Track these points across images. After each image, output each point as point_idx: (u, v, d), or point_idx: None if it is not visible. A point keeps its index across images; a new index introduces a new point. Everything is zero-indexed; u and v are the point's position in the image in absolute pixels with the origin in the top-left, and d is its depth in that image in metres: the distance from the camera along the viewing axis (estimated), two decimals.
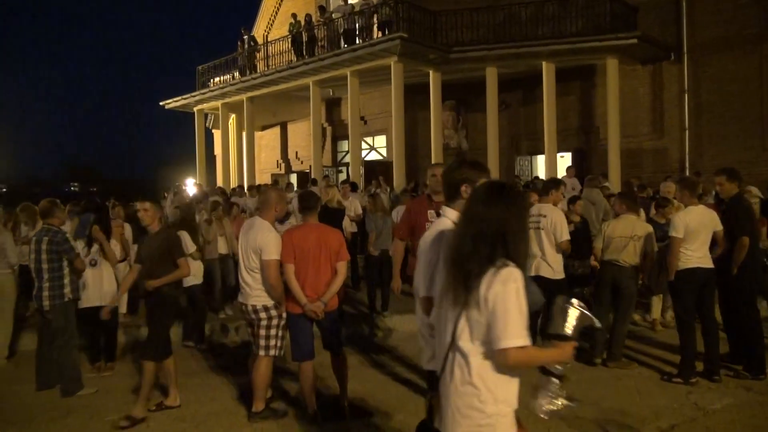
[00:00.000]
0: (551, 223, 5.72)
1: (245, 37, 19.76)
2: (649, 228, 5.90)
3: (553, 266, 5.75)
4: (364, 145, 19.36)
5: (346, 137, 18.66)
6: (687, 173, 13.57)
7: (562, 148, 15.83)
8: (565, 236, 5.69)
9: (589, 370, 5.58)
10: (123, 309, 7.21)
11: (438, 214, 2.99)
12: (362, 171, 16.62)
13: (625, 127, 14.90)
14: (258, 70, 19.00)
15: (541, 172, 16.35)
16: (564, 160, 16.51)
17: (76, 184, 78.01)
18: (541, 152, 15.78)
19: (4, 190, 61.71)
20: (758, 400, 4.83)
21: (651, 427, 4.32)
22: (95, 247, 5.96)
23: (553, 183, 6.28)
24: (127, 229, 7.79)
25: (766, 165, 13.22)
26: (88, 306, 5.87)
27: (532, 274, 5.88)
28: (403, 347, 6.83)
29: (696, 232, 5.18)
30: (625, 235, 5.62)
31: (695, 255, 5.19)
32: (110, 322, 6.06)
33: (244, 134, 20.41)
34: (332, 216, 8.25)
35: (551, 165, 15.12)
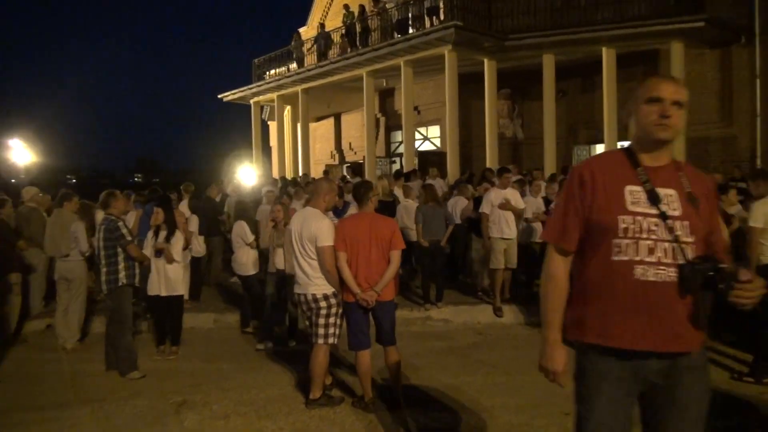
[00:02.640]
0: None
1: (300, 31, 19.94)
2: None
3: None
4: (417, 136, 19.29)
5: (399, 128, 18.61)
6: (759, 163, 12.88)
7: (623, 137, 15.28)
8: None
9: None
10: (187, 296, 7.47)
11: None
12: (416, 161, 16.57)
13: (691, 115, 13.66)
14: (310, 62, 19.18)
15: None
16: None
17: (139, 175, 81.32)
18: (601, 141, 15.28)
19: (74, 181, 65.00)
20: None
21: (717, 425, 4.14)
22: (162, 237, 6.19)
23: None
24: (194, 221, 8.11)
25: None
26: (153, 294, 6.15)
27: None
28: (457, 338, 6.82)
29: None
30: None
31: None
32: (176, 309, 6.32)
33: (298, 125, 20.69)
34: (384, 208, 8.24)
35: None
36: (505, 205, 7.47)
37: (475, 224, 8.25)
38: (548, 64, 14.91)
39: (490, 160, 15.40)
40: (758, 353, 5.05)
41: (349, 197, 7.90)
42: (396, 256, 4.47)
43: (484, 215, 7.58)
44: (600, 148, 15.83)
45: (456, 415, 4.47)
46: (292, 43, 20.29)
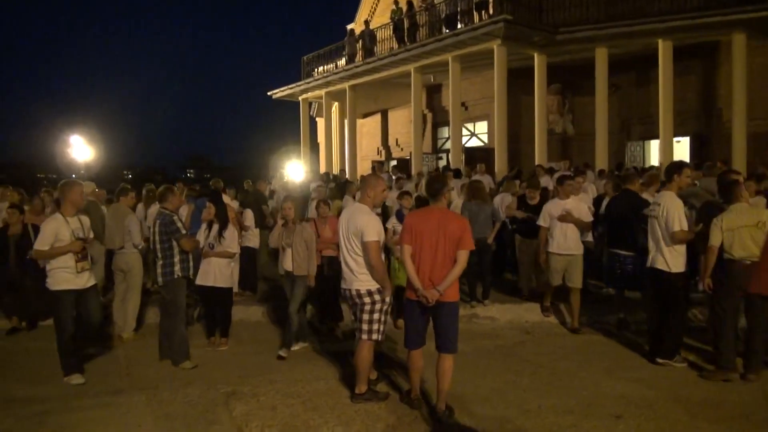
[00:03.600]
0: (664, 211, 5.39)
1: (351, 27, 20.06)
2: None
3: (668, 259, 5.40)
4: (464, 132, 19.14)
5: (446, 124, 18.52)
6: None
7: (679, 133, 14.78)
8: (677, 226, 5.29)
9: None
10: (236, 288, 7.64)
11: None
12: (463, 158, 16.45)
13: (753, 109, 13.62)
14: (360, 58, 19.27)
15: (654, 158, 15.38)
16: (681, 145, 15.42)
17: (191, 170, 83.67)
18: (656, 137, 14.80)
19: (130, 176, 67.41)
20: None
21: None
22: (215, 231, 6.35)
23: (676, 167, 5.77)
24: (249, 216, 8.27)
25: None
26: (203, 284, 6.32)
27: (648, 266, 5.61)
28: (503, 336, 6.74)
29: None
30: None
31: None
32: (226, 300, 6.49)
33: (345, 122, 20.86)
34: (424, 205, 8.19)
35: (666, 150, 14.15)
36: (566, 217, 6.74)
37: (518, 223, 7.99)
38: (601, 57, 14.54)
39: (539, 157, 15.14)
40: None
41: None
42: (463, 256, 4.26)
43: (542, 228, 6.93)
44: (654, 144, 15.35)
45: (501, 415, 4.42)
46: (346, 38, 20.38)
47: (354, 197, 9.23)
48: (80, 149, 21.19)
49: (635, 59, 15.30)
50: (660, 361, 5.45)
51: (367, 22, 19.98)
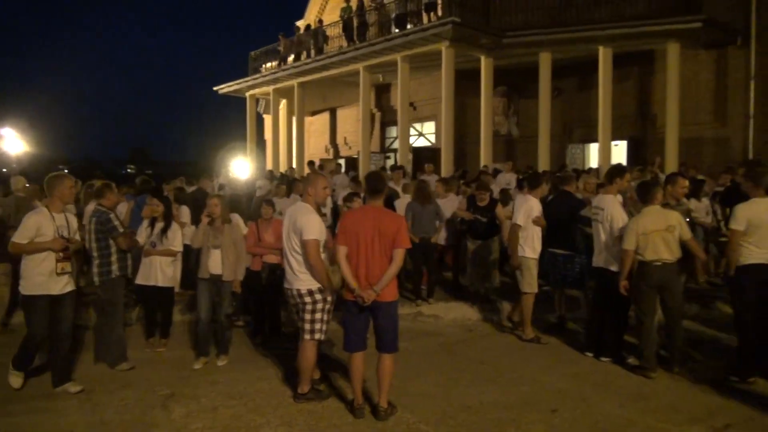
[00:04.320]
0: (608, 216, 5.59)
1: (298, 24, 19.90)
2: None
3: (612, 260, 5.58)
4: (412, 132, 19.28)
5: (394, 123, 18.61)
6: None
7: (616, 136, 15.33)
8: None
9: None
10: (177, 287, 7.43)
11: None
12: (410, 157, 16.57)
13: (685, 115, 14.28)
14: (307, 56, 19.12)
15: (594, 161, 15.91)
16: (618, 149, 16.01)
17: (132, 166, 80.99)
18: (595, 140, 15.31)
19: (66, 171, 64.64)
20: None
21: (703, 425, 4.18)
22: (158, 229, 6.15)
23: (617, 171, 5.99)
24: (184, 212, 8.04)
25: None
26: (144, 284, 6.13)
27: (595, 266, 5.80)
28: (447, 334, 6.83)
29: (758, 226, 4.94)
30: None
31: (759, 250, 4.96)
32: (168, 300, 6.31)
33: (293, 119, 20.65)
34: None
35: (605, 153, 14.66)
36: (539, 220, 6.37)
37: (468, 224, 7.83)
38: (545, 62, 14.92)
39: (485, 158, 15.42)
40: (742, 351, 5.13)
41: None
42: (399, 255, 4.22)
43: (516, 227, 6.34)
44: (594, 147, 15.87)
45: (443, 411, 4.48)
46: (294, 36, 20.17)
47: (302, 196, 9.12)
48: (12, 142, 20.19)
49: (578, 64, 15.78)
50: (603, 359, 5.62)
51: (320, 21, 19.84)
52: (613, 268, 5.55)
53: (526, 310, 6.44)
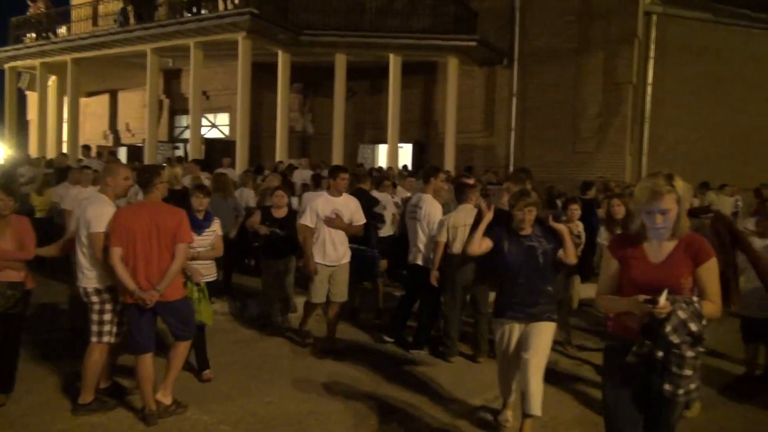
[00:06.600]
0: (426, 215, 5.83)
1: None
2: None
3: (427, 257, 5.84)
4: (205, 122, 18.47)
5: (185, 112, 17.64)
6: (511, 170, 14.90)
7: (403, 139, 16.49)
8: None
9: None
10: None
11: None
12: (203, 149, 15.88)
13: (461, 124, 15.95)
14: (85, 29, 17.15)
15: (383, 161, 16.90)
16: (404, 151, 17.24)
17: None
18: (384, 141, 16.30)
19: None
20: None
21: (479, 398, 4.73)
22: None
23: (433, 171, 6.22)
24: None
25: (574, 166, 14.99)
26: None
27: (410, 262, 6.08)
28: (243, 332, 6.70)
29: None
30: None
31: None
32: None
33: (66, 99, 18.39)
34: (176, 199, 7.47)
35: (392, 154, 15.69)
36: (334, 221, 5.60)
37: (263, 238, 6.71)
38: (340, 63, 15.42)
39: (280, 153, 15.43)
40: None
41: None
42: (181, 250, 4.04)
43: (305, 228, 5.62)
44: (383, 148, 16.88)
45: (243, 409, 4.42)
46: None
47: (76, 185, 8.14)
48: None
49: (370, 69, 16.61)
50: (412, 352, 5.90)
51: None
52: (425, 264, 5.83)
53: (305, 313, 6.14)
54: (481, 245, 4.08)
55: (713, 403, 4.66)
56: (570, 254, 4.04)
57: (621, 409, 2.74)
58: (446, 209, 6.27)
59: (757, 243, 5.33)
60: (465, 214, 5.61)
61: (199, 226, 4.91)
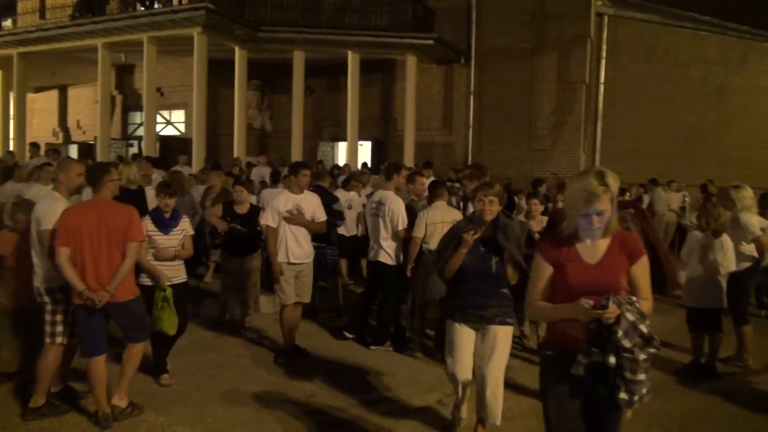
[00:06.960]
0: (389, 211, 5.83)
1: None
2: None
3: (390, 254, 5.88)
4: (159, 119, 18.05)
5: (139, 108, 17.24)
6: None
7: (363, 137, 16.51)
8: (401, 225, 5.78)
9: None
10: None
11: None
12: (158, 146, 15.53)
13: (420, 121, 16.06)
14: (31, 22, 16.53)
15: (342, 159, 16.88)
16: (364, 148, 17.25)
17: None
18: (344, 139, 16.28)
19: None
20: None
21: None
22: None
23: (395, 168, 6.27)
24: None
25: (530, 163, 15.30)
26: None
27: (371, 259, 6.10)
28: (200, 332, 6.61)
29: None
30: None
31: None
32: None
33: (11, 95, 17.70)
34: (132, 199, 7.04)
35: (352, 152, 15.68)
36: (296, 218, 5.45)
37: (223, 235, 6.65)
38: (298, 60, 15.31)
39: (238, 150, 15.24)
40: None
41: None
42: (132, 249, 3.95)
43: (267, 229, 5.48)
44: (343, 146, 16.87)
45: (200, 411, 4.38)
46: None
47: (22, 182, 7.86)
48: None
49: (329, 66, 16.55)
50: (372, 347, 5.93)
51: None
52: (390, 261, 5.86)
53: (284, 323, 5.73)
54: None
55: (662, 391, 4.85)
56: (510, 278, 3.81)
57: (566, 424, 2.58)
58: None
59: (698, 236, 5.59)
60: (440, 211, 5.71)
61: (165, 225, 4.82)
